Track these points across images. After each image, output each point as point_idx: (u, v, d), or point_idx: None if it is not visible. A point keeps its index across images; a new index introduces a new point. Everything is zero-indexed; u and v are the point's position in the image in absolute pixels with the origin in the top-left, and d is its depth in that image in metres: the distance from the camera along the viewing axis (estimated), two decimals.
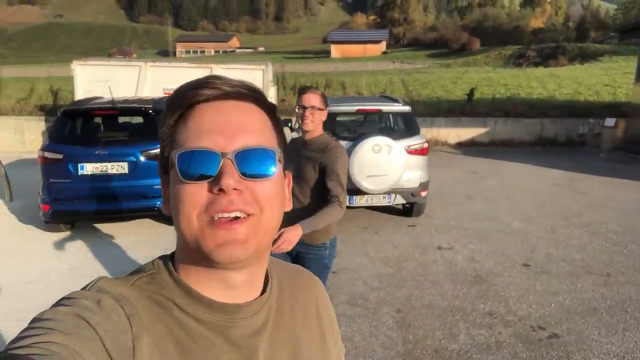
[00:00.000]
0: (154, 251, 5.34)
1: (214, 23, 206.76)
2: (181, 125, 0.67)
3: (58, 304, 0.61)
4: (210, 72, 10.24)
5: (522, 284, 4.64)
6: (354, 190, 6.08)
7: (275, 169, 0.67)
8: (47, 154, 5.61)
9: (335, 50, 76.35)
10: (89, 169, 5.60)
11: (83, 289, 0.64)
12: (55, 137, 5.77)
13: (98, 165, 5.60)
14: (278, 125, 0.74)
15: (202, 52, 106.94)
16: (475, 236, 6.01)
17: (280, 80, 15.18)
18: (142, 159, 5.61)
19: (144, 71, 10.24)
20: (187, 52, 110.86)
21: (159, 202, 5.70)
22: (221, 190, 0.62)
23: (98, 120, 6.51)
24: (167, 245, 5.59)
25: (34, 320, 0.57)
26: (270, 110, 0.73)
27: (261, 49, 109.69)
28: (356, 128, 7.11)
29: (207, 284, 0.68)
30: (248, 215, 0.64)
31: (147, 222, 6.38)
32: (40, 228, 6.06)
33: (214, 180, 0.62)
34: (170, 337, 0.64)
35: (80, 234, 5.98)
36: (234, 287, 0.69)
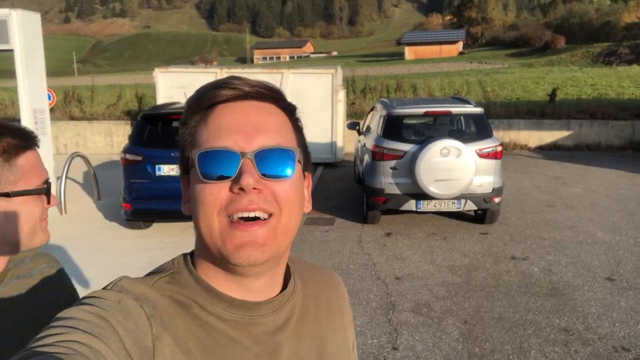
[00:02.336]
0: None
1: (289, 29, 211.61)
2: (202, 125, 0.67)
3: (80, 303, 0.61)
4: (281, 77, 10.46)
5: (605, 299, 4.27)
6: (421, 195, 5.93)
7: (294, 170, 0.67)
8: (128, 156, 5.98)
9: (409, 52, 75.33)
10: (165, 170, 5.90)
11: (104, 288, 0.65)
12: (135, 140, 6.14)
13: (174, 166, 5.88)
14: (298, 125, 0.73)
15: (278, 58, 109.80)
16: (553, 246, 5.63)
17: (350, 84, 15.17)
18: None
19: (219, 77, 10.66)
20: (264, 58, 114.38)
21: None
22: (241, 189, 0.62)
23: (175, 124, 6.85)
24: None
25: (56, 319, 0.58)
26: (290, 110, 0.72)
27: (334, 53, 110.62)
28: (425, 131, 6.93)
29: (226, 284, 0.68)
30: (269, 215, 0.63)
31: None
32: (123, 225, 6.47)
33: (234, 180, 0.62)
34: (191, 336, 0.64)
35: (158, 232, 6.31)
36: (253, 291, 0.69)
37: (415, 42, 78.06)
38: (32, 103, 6.90)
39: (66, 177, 6.92)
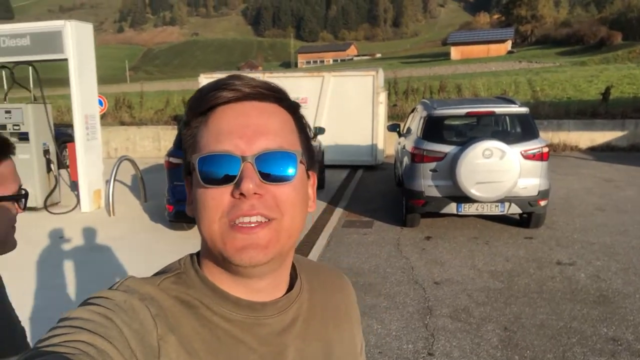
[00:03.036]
0: None
1: (333, 33, 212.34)
2: (202, 127, 0.66)
3: (86, 303, 0.62)
4: (322, 80, 10.51)
5: None
6: (463, 198, 5.79)
7: (296, 172, 0.65)
8: (172, 159, 6.16)
9: (455, 52, 73.85)
10: None
11: (110, 288, 0.65)
12: (179, 144, 6.32)
13: None
14: (301, 124, 0.72)
15: (322, 61, 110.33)
16: (602, 252, 5.36)
17: (392, 86, 15.03)
18: None
19: None
20: (308, 62, 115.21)
21: None
22: (242, 194, 0.61)
23: None
24: None
25: (62, 319, 0.59)
26: (293, 109, 0.71)
27: (378, 55, 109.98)
28: (467, 132, 6.76)
29: (231, 284, 0.68)
30: (269, 219, 0.63)
31: None
32: (167, 226, 6.67)
33: (235, 185, 0.62)
34: (197, 336, 0.64)
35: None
36: (257, 290, 0.69)
37: (461, 42, 76.40)
38: (84, 109, 7.24)
39: (114, 180, 7.22)
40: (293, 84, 10.77)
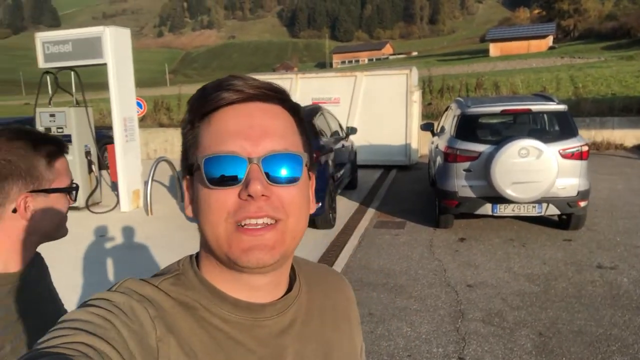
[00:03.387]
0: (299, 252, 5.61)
1: (368, 32, 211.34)
2: (205, 128, 0.66)
3: (85, 304, 0.62)
4: (355, 80, 10.46)
5: None
6: (498, 198, 5.65)
7: (302, 174, 0.65)
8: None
9: (494, 49, 72.26)
10: None
11: (109, 289, 0.65)
12: None
13: None
14: (302, 125, 0.71)
15: (357, 61, 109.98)
16: None
17: (426, 84, 14.81)
18: None
19: (294, 82, 10.89)
20: (343, 62, 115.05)
21: None
22: (250, 196, 0.61)
23: None
24: (305, 245, 5.84)
25: (61, 321, 0.59)
26: (295, 110, 0.70)
27: (414, 53, 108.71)
28: (503, 130, 6.58)
29: (230, 285, 0.68)
30: (276, 221, 0.63)
31: None
32: None
33: (242, 186, 0.62)
34: (195, 337, 0.64)
35: None
36: (257, 289, 0.69)
37: (500, 38, 74.67)
38: (123, 112, 7.47)
39: (152, 180, 7.41)
40: (325, 84, 10.77)
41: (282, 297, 0.71)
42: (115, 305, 0.61)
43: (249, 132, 0.63)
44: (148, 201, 7.31)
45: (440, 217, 6.25)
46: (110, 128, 7.94)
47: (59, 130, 7.50)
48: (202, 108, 0.66)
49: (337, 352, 0.76)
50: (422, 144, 11.24)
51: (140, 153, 8.14)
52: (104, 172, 8.47)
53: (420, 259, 5.34)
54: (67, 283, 4.88)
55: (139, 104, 9.43)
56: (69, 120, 7.46)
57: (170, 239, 6.33)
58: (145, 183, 7.45)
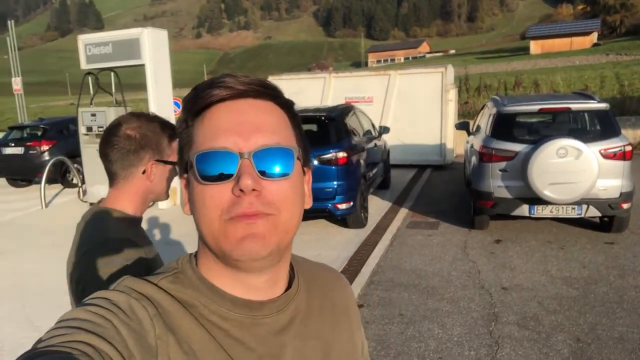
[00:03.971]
0: (322, 249, 5.62)
1: (404, 30, 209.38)
2: (198, 125, 0.67)
3: (84, 303, 0.62)
4: (389, 79, 10.38)
5: None
6: (535, 199, 5.48)
7: (293, 168, 0.65)
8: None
9: (535, 46, 70.30)
10: None
11: (108, 288, 0.66)
12: None
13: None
14: (296, 121, 0.71)
15: (393, 60, 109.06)
16: None
17: (462, 82, 14.51)
18: (315, 162, 5.96)
19: (328, 82, 10.90)
20: (379, 61, 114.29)
21: (329, 204, 5.98)
22: (241, 191, 0.61)
23: None
24: (336, 244, 5.83)
25: (60, 320, 0.59)
26: (287, 107, 0.70)
27: (452, 51, 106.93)
28: (541, 130, 6.39)
29: (229, 283, 0.69)
30: (268, 215, 0.63)
31: (322, 222, 6.74)
32: None
33: (234, 181, 0.62)
34: (194, 335, 0.64)
35: None
36: (256, 287, 0.69)
37: (542, 36, 72.54)
38: (160, 112, 7.64)
39: None
40: (358, 83, 10.73)
41: (281, 294, 0.71)
42: (114, 303, 0.61)
43: (240, 128, 0.64)
44: (184, 199, 7.47)
45: (475, 218, 6.13)
46: None
47: (100, 129, 7.76)
48: (194, 106, 0.67)
49: (337, 350, 0.76)
50: (457, 144, 11.04)
51: None
52: None
53: (454, 260, 5.24)
54: None
55: (176, 104, 9.66)
56: (109, 119, 7.69)
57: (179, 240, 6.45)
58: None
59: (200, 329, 0.65)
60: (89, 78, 8.03)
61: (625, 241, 5.51)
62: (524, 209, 5.66)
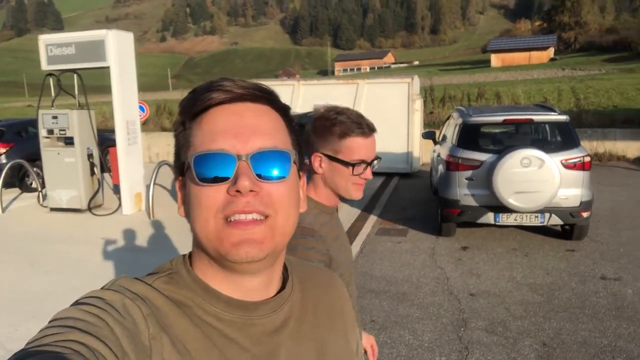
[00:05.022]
0: None
1: (370, 41, 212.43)
2: (196, 128, 0.67)
3: (77, 302, 0.62)
4: (357, 88, 10.48)
5: None
6: (500, 207, 5.63)
7: (290, 171, 0.67)
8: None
9: (495, 60, 72.55)
10: None
11: (103, 287, 0.66)
12: None
13: None
14: (292, 126, 0.73)
15: (359, 69, 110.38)
16: None
17: (428, 93, 14.83)
18: None
19: (297, 89, 10.91)
20: (345, 70, 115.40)
21: None
22: (238, 191, 0.62)
23: None
24: None
25: (54, 319, 0.59)
26: (284, 111, 0.72)
27: (416, 62, 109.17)
28: (505, 140, 6.58)
29: (223, 283, 0.69)
30: (265, 217, 0.64)
31: None
32: None
33: (231, 182, 0.63)
34: (188, 335, 0.64)
35: None
36: (250, 288, 0.70)
37: (502, 49, 74.95)
38: (125, 115, 7.47)
39: (154, 184, 7.40)
40: (327, 91, 10.78)
41: (275, 295, 0.72)
42: (108, 303, 0.61)
43: (238, 131, 0.65)
44: (150, 204, 7.29)
45: (442, 226, 6.24)
46: (112, 131, 7.94)
47: (62, 132, 7.50)
48: (192, 109, 0.67)
49: (331, 351, 0.76)
50: (423, 152, 11.24)
51: (143, 156, 8.13)
52: (106, 175, 8.45)
53: (423, 267, 5.31)
54: (68, 286, 4.85)
55: (141, 108, 9.44)
56: (71, 122, 7.45)
57: (171, 241, 6.31)
58: (148, 186, 7.44)
59: (195, 329, 0.65)
60: (50, 79, 7.75)
61: (585, 248, 5.73)
62: (489, 217, 5.80)
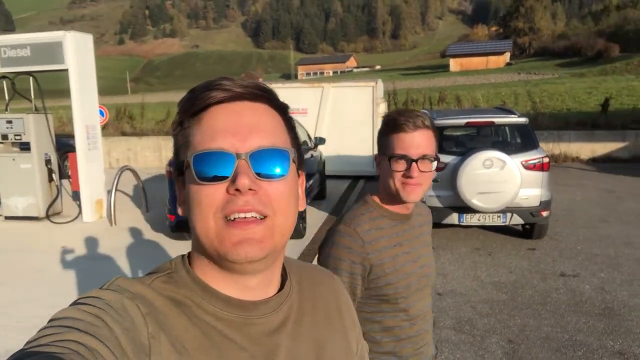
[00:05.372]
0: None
1: (332, 45, 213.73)
2: (195, 127, 0.67)
3: (76, 302, 0.62)
4: (322, 91, 10.54)
5: None
6: (464, 208, 5.78)
7: (289, 169, 0.67)
8: (173, 169, 6.14)
9: (454, 64, 74.31)
10: None
11: (101, 287, 0.65)
12: None
13: None
14: (291, 125, 0.74)
15: (322, 73, 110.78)
16: (607, 263, 5.33)
17: (391, 97, 15.07)
18: None
19: None
20: (308, 74, 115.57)
21: None
22: (237, 190, 0.62)
23: None
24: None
25: (52, 319, 0.58)
26: (283, 110, 0.72)
27: (378, 67, 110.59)
28: (467, 142, 6.76)
29: (222, 283, 0.69)
30: (264, 217, 0.64)
31: None
32: (169, 236, 6.63)
33: (230, 181, 0.63)
34: (187, 334, 0.64)
35: None
36: (249, 288, 0.70)
37: (460, 54, 76.90)
38: (85, 120, 7.24)
39: (116, 190, 7.19)
40: (293, 94, 10.77)
41: (274, 295, 0.72)
42: (107, 302, 0.60)
43: (237, 129, 0.65)
44: (112, 211, 7.08)
45: None
46: (70, 136, 7.68)
47: (17, 137, 7.19)
48: (191, 108, 0.68)
49: (330, 350, 0.76)
50: None
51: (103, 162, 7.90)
52: (65, 181, 8.16)
53: None
54: (26, 296, 4.65)
55: (100, 112, 9.16)
56: (27, 127, 7.16)
57: (135, 250, 6.14)
58: (109, 192, 7.23)
59: (194, 328, 0.65)
60: (4, 82, 7.43)
61: (545, 247, 5.94)
62: (454, 218, 5.94)
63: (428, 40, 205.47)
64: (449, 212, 5.91)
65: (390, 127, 1.40)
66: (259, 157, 0.64)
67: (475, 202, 5.62)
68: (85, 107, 7.25)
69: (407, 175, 1.36)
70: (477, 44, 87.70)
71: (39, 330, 0.56)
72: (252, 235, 0.63)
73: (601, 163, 11.91)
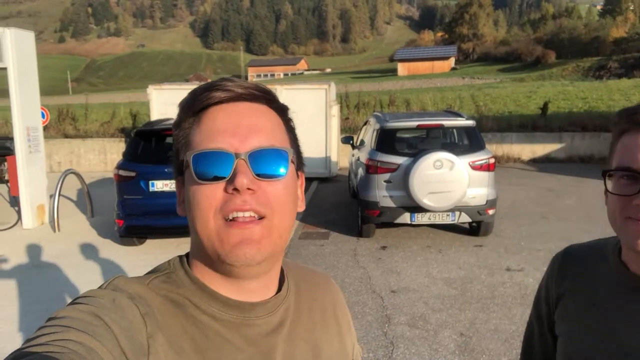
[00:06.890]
0: None
1: (283, 47, 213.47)
2: (195, 127, 0.68)
3: (74, 302, 0.61)
4: (275, 92, 10.51)
5: None
6: (416, 208, 5.94)
7: (287, 170, 0.67)
8: (122, 172, 5.95)
9: (402, 68, 76.09)
10: (159, 185, 5.88)
11: (99, 287, 0.65)
12: (129, 156, 6.12)
13: (167, 182, 5.86)
14: (290, 126, 0.74)
15: (272, 75, 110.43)
16: (548, 258, 5.57)
17: (343, 99, 15.26)
18: None
19: None
20: (258, 75, 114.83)
21: None
22: (235, 189, 0.62)
23: (168, 140, 6.84)
24: None
25: (50, 319, 0.58)
26: (282, 111, 0.73)
27: (328, 70, 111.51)
28: (418, 144, 6.96)
29: (221, 284, 0.69)
30: (262, 217, 0.64)
31: None
32: (116, 242, 6.41)
33: (229, 181, 0.63)
34: (185, 335, 0.64)
35: (152, 248, 6.26)
36: (248, 290, 0.70)
37: (407, 59, 78.93)
38: (25, 121, 6.89)
39: (59, 195, 6.88)
40: None
41: (271, 297, 0.72)
42: (105, 302, 0.60)
43: (236, 130, 0.65)
44: (55, 217, 6.77)
45: (362, 227, 6.44)
46: (8, 138, 7.29)
47: None
48: (192, 108, 0.68)
49: (327, 352, 0.77)
50: (341, 157, 11.52)
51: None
52: (2, 186, 7.72)
53: (346, 268, 5.45)
54: None
55: (41, 113, 8.70)
56: None
57: (81, 257, 5.91)
58: (52, 197, 6.91)
59: (191, 327, 0.65)
60: None
61: (492, 243, 6.20)
62: (406, 217, 6.09)
63: (377, 44, 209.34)
64: (402, 211, 6.06)
65: (620, 127, 0.90)
66: (258, 157, 0.64)
67: (426, 201, 5.79)
68: (26, 108, 6.91)
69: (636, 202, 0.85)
70: (424, 49, 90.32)
71: (38, 330, 0.56)
72: (250, 236, 0.63)
73: (541, 163, 12.57)
